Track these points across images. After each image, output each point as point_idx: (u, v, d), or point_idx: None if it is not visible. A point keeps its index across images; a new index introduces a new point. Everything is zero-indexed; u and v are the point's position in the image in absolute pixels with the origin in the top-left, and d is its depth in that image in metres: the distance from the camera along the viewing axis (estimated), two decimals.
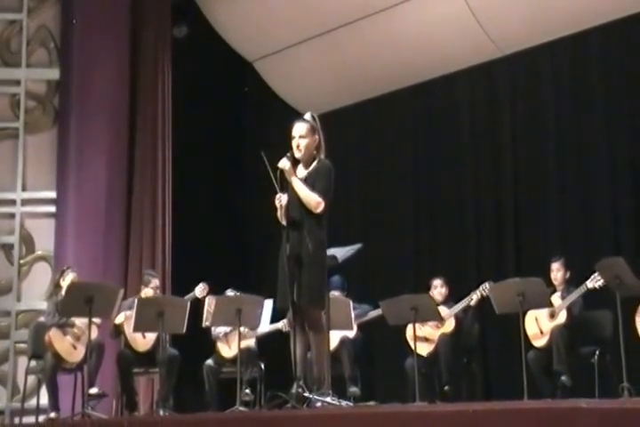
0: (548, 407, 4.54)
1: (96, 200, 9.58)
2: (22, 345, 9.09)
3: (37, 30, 10.06)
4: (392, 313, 7.76)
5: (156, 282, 8.37)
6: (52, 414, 7.81)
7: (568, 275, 7.73)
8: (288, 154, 6.01)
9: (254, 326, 8.04)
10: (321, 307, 5.93)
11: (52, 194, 9.74)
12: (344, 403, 6.08)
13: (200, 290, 8.16)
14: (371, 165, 10.62)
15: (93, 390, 7.76)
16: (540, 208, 9.18)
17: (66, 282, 8.11)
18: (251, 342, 8.32)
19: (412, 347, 7.77)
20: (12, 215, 9.76)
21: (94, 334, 7.53)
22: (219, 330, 8.37)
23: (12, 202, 9.76)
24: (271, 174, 5.97)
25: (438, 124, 10.11)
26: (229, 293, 8.37)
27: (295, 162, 6.07)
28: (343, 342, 8.12)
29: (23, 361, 8.72)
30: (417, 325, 7.70)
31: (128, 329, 7.85)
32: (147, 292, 8.25)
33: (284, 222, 6.01)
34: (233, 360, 7.95)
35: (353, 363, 8.14)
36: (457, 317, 8.11)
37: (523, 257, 9.16)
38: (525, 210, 9.29)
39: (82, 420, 7.06)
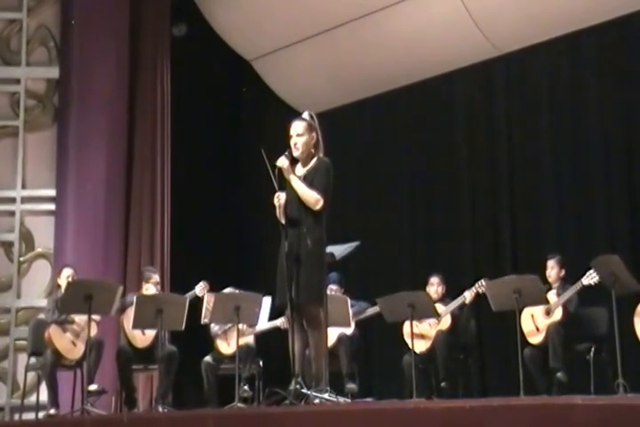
0: (544, 404, 4.58)
1: (95, 198, 9.60)
2: (22, 342, 9.12)
3: (37, 29, 10.08)
4: (389, 310, 7.79)
5: (156, 278, 8.37)
6: (52, 411, 7.82)
7: (563, 273, 7.75)
8: (286, 152, 6.01)
9: (253, 323, 8.08)
10: (319, 304, 5.95)
11: (52, 192, 9.76)
12: (342, 399, 6.08)
13: (200, 288, 8.16)
14: (368, 164, 10.63)
15: (93, 387, 7.79)
16: (537, 206, 9.21)
17: (64, 279, 8.15)
18: (249, 339, 8.34)
19: (409, 344, 7.81)
20: (12, 213, 9.77)
21: (94, 331, 7.53)
22: (217, 327, 8.41)
23: (12, 200, 9.78)
24: (270, 172, 6.01)
25: (435, 124, 10.12)
26: (228, 290, 8.39)
27: (294, 161, 6.09)
28: (341, 338, 8.15)
29: (23, 358, 8.71)
30: (414, 322, 7.74)
31: (127, 326, 7.89)
32: (147, 287, 8.25)
33: (282, 221, 6.04)
34: (232, 357, 7.96)
35: (350, 360, 8.16)
36: (453, 314, 8.13)
37: (519, 255, 9.18)
38: (521, 208, 9.32)
39: (81, 416, 7.08)
